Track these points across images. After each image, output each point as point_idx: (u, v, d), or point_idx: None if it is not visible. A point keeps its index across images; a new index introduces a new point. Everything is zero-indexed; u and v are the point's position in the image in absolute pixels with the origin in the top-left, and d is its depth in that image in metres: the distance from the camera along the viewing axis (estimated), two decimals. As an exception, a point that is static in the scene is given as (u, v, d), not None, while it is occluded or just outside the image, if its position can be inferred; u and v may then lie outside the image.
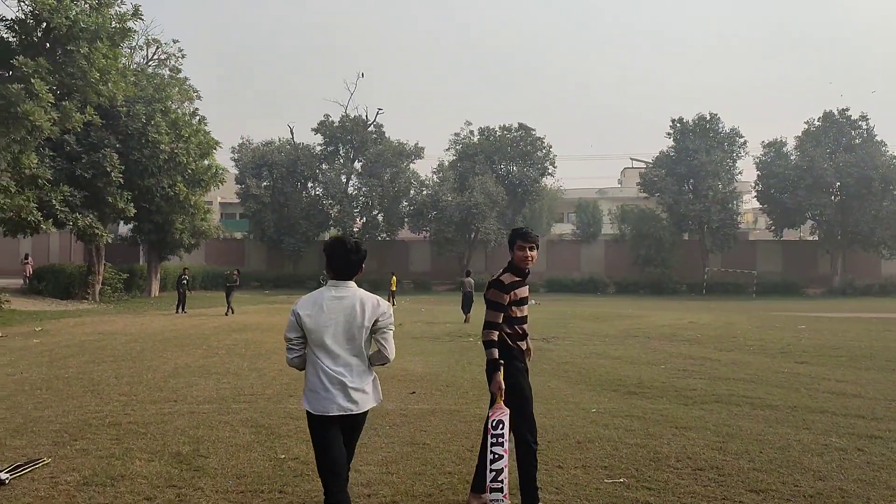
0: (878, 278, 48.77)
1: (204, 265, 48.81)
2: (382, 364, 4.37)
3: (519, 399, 5.02)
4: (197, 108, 35.11)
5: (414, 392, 9.55)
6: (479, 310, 27.90)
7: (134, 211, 29.59)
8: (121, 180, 27.92)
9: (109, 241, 30.23)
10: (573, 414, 8.12)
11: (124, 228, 40.38)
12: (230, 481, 5.58)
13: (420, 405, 8.66)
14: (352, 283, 4.31)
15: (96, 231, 27.85)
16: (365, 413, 4.39)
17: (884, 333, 19.22)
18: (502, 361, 4.92)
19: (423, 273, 52.89)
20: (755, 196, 51.97)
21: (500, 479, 4.69)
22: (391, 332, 4.31)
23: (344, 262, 4.28)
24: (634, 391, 9.78)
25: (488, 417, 4.89)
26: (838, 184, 47.26)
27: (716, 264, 50.12)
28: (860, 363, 12.80)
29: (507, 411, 4.88)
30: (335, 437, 4.23)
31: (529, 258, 5.12)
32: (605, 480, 5.60)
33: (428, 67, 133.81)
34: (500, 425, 4.82)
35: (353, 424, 4.35)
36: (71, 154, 27.14)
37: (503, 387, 4.88)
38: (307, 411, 4.32)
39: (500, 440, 4.77)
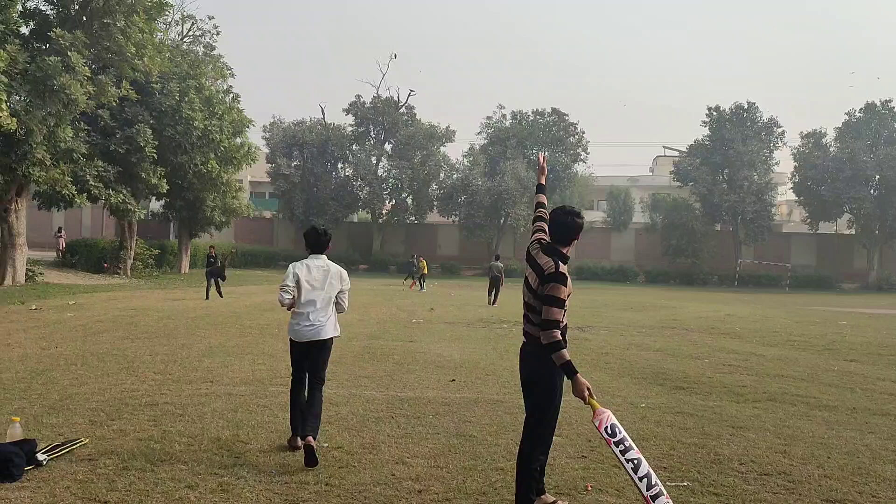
0: (916, 275, 47.65)
1: (233, 243, 48.99)
2: (340, 312, 6.30)
3: (550, 408, 4.61)
4: (231, 86, 35.01)
5: (454, 379, 9.29)
6: (507, 294, 27.66)
7: (167, 187, 29.59)
8: (154, 156, 27.87)
9: (142, 216, 30.30)
10: (622, 409, 7.80)
11: (156, 204, 40.53)
12: (273, 471, 5.35)
13: (462, 393, 8.40)
14: (324, 256, 6.27)
15: (129, 206, 27.89)
16: (329, 339, 6.19)
17: (931, 332, 18.60)
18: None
19: (452, 257, 52.61)
20: (791, 188, 50.93)
21: (654, 483, 4.27)
22: (347, 293, 6.37)
23: (317, 241, 6.26)
24: (681, 386, 9.43)
25: (598, 429, 4.40)
26: (878, 177, 46.13)
27: (748, 256, 49.24)
28: (913, 363, 12.31)
29: (609, 412, 4.47)
30: (304, 355, 6.16)
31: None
32: (668, 483, 5.28)
33: (461, 50, 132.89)
34: (616, 429, 4.37)
35: (319, 346, 6.13)
36: (105, 129, 27.10)
37: (589, 385, 4.43)
38: (290, 339, 6.23)
39: (627, 444, 4.35)
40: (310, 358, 6.16)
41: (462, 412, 7.39)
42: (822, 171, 46.84)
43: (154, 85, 27.90)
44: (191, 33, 34.76)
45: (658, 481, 4.30)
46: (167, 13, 25.73)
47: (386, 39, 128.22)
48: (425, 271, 32.41)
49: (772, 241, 49.76)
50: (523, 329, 4.81)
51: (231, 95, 33.74)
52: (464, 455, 5.88)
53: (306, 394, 6.11)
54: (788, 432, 6.93)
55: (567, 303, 4.44)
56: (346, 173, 52.75)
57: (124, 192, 27.72)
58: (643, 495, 4.23)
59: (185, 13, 34.74)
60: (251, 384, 8.57)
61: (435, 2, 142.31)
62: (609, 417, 4.41)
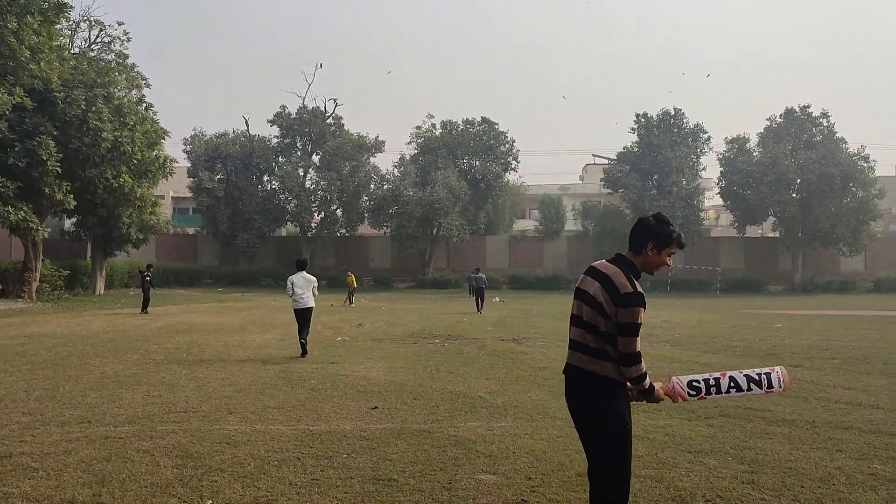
0: (838, 275, 48.91)
1: (155, 261, 46.65)
2: (314, 296, 13.11)
3: (619, 444, 3.61)
4: (144, 96, 33.12)
5: (376, 407, 8.22)
6: (421, 311, 26.66)
7: (74, 203, 27.63)
8: (59, 170, 25.96)
9: (46, 235, 28.21)
10: (565, 434, 6.89)
11: (68, 223, 38.19)
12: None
13: (384, 424, 7.35)
14: (304, 272, 13.11)
15: (31, 225, 25.86)
16: (311, 307, 13.06)
17: (865, 332, 18.50)
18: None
19: (384, 269, 51.48)
20: (718, 192, 51.69)
21: (753, 377, 3.83)
22: (316, 288, 13.20)
23: (301, 264, 13.21)
24: (627, 403, 8.59)
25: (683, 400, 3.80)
26: (799, 181, 47.13)
27: (679, 261, 49.65)
28: (857, 367, 11.88)
29: (674, 380, 3.81)
30: (302, 315, 12.89)
31: (668, 265, 3.82)
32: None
33: (389, 59, 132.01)
34: (694, 384, 3.80)
35: (307, 312, 12.92)
36: (3, 141, 25.10)
37: (662, 385, 3.76)
38: (294, 308, 13.11)
39: (710, 383, 3.82)
40: (303, 317, 12.98)
41: (382, 448, 6.35)
42: (747, 176, 47.64)
43: (57, 93, 26.02)
44: (99, 40, 32.75)
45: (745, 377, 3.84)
46: (67, 14, 23.89)
47: (311, 49, 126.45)
48: (354, 285, 31.17)
49: (701, 245, 50.33)
50: (569, 362, 3.78)
51: (144, 105, 31.91)
52: (379, 507, 4.84)
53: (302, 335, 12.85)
54: (751, 455, 6.13)
55: None
56: (273, 186, 51.11)
57: (25, 208, 25.70)
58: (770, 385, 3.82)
59: (93, 19, 32.64)
60: (137, 422, 7.33)
61: (360, 12, 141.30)
62: (676, 384, 3.80)
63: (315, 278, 13.26)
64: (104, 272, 36.17)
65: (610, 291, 3.53)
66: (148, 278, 25.17)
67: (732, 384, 3.78)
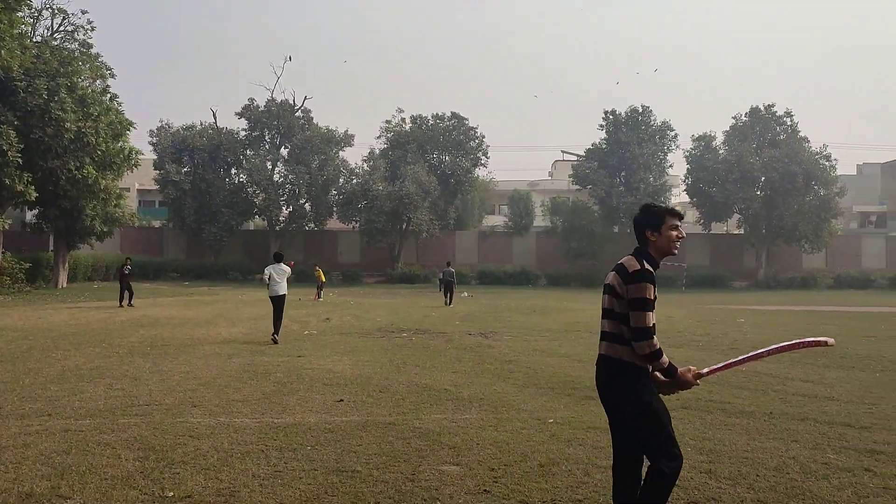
0: (800, 271, 49.81)
1: (119, 254, 45.92)
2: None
3: (655, 420, 3.80)
4: (108, 86, 32.51)
5: (342, 400, 8.23)
6: (383, 305, 26.67)
7: (36, 195, 27.09)
8: (20, 161, 25.43)
9: (7, 227, 27.64)
10: (529, 426, 6.97)
11: (29, 214, 37.43)
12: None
13: (349, 416, 7.36)
14: (281, 263, 14.60)
15: (-10, 216, 25.32)
16: (284, 295, 14.27)
17: (823, 327, 18.92)
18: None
19: (353, 264, 51.25)
20: (685, 190, 52.32)
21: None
22: (288, 277, 14.61)
23: (279, 258, 14.77)
24: (590, 395, 8.69)
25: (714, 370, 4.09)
26: (763, 179, 47.89)
27: (646, 257, 50.14)
28: (816, 360, 12.16)
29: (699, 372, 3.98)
30: (276, 301, 14.17)
31: (682, 238, 3.96)
32: (585, 522, 4.45)
33: (359, 53, 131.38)
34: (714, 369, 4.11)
35: (280, 299, 14.16)
36: (-39, 131, 24.55)
37: (690, 368, 3.91)
38: (269, 295, 14.39)
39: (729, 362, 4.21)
40: (277, 303, 14.17)
41: (347, 440, 6.36)
42: (713, 174, 48.29)
43: (18, 82, 25.49)
44: (62, 28, 32.09)
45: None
46: (29, 2, 23.37)
47: (279, 42, 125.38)
48: (322, 280, 31.02)
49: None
50: (600, 352, 4.00)
51: (108, 96, 31.35)
52: (342, 498, 4.86)
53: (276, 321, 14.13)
54: (710, 446, 6.26)
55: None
56: (241, 179, 50.52)
57: (-16, 200, 25.15)
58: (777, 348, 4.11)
59: (56, 7, 31.93)
60: (98, 415, 7.25)
61: (329, 5, 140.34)
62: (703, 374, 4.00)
63: (290, 269, 14.87)
64: (67, 265, 35.54)
65: (621, 273, 3.78)
66: (127, 271, 25.30)
67: (748, 359, 4.10)
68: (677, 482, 5.06)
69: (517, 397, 8.55)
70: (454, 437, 6.51)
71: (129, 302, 24.44)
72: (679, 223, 3.92)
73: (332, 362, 11.26)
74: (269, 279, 14.19)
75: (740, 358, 4.05)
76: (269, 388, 8.88)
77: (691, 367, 3.91)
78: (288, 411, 7.58)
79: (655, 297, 3.75)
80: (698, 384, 3.91)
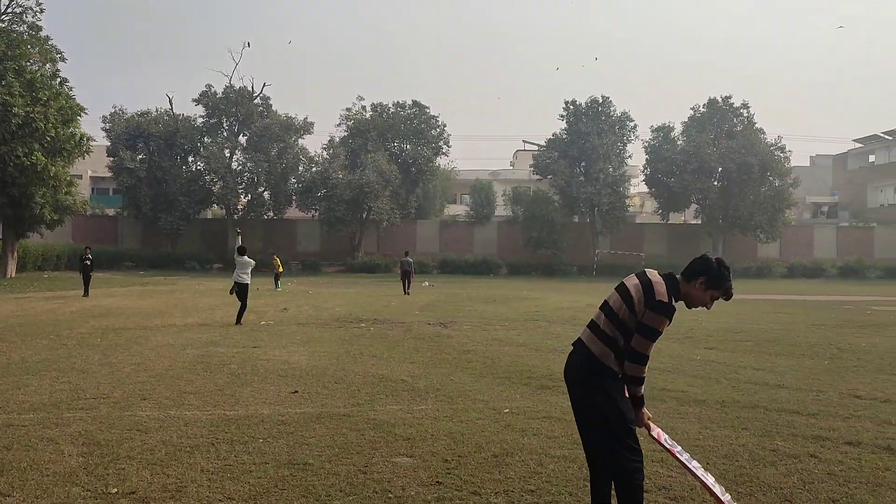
0: (755, 261, 50.78)
1: (71, 243, 44.90)
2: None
3: (621, 417, 3.87)
4: (59, 70, 31.60)
5: (296, 391, 8.12)
6: (344, 294, 26.48)
7: (-20, 182, 26.25)
8: (-36, 146, 24.60)
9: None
10: (484, 416, 6.96)
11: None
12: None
13: (302, 408, 7.26)
14: (246, 256, 15.94)
15: (-69, 204, 24.46)
16: (247, 284, 15.64)
17: (776, 315, 19.31)
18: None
19: (313, 253, 50.83)
20: (643, 180, 52.92)
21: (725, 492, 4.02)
22: (252, 267, 16.02)
23: (243, 252, 15.96)
24: (547, 385, 8.74)
25: (657, 440, 4.09)
26: (720, 169, 48.64)
27: (605, 246, 50.74)
28: (767, 348, 12.40)
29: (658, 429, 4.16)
30: (240, 289, 15.45)
31: (707, 306, 3.96)
32: (537, 513, 4.44)
33: (318, 38, 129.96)
34: (670, 440, 4.15)
35: (244, 287, 15.51)
36: None
37: (647, 421, 4.05)
38: (234, 282, 15.66)
39: (683, 451, 4.10)
40: (241, 291, 15.43)
41: (300, 432, 6.27)
42: (671, 164, 48.91)
43: (-38, 66, 24.62)
44: (10, 10, 31.04)
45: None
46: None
47: (237, 28, 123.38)
48: (280, 269, 30.70)
49: (626, 231, 51.55)
50: (583, 341, 4.02)
51: (58, 80, 30.47)
52: (293, 491, 4.78)
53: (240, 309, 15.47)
54: (662, 435, 6.31)
55: None
56: (198, 167, 49.70)
57: (-75, 186, 24.28)
58: (721, 500, 3.89)
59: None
60: (42, 410, 7.04)
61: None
62: (660, 431, 4.12)
63: (253, 262, 16.23)
64: (16, 254, 34.58)
65: (647, 293, 3.78)
66: (87, 261, 24.97)
67: (700, 470, 3.99)
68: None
69: (474, 387, 8.54)
70: (409, 428, 6.46)
71: (85, 292, 24.07)
72: (718, 297, 3.94)
73: (287, 353, 11.12)
74: (235, 271, 16.06)
75: (682, 460, 4.04)
76: (223, 380, 8.73)
77: (649, 415, 4.08)
78: (241, 403, 7.46)
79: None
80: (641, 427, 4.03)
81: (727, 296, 3.93)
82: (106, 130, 47.97)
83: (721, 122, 50.06)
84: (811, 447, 5.95)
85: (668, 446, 3.97)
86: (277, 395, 7.90)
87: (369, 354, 11.14)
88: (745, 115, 50.10)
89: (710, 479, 3.93)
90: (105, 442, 5.87)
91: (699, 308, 3.97)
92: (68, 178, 32.82)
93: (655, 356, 10.90)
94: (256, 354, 10.92)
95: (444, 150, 52.14)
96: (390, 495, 4.72)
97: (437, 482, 5.01)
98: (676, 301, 3.84)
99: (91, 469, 5.17)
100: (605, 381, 3.85)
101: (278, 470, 5.22)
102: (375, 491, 4.79)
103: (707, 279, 3.86)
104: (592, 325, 3.98)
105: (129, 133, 47.12)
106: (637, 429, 3.96)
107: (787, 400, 7.91)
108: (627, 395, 3.93)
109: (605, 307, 3.96)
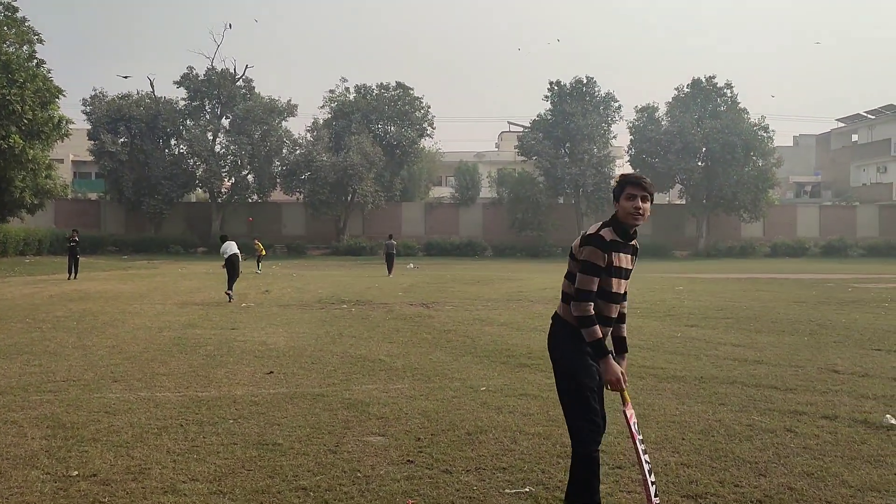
0: (739, 240, 50.98)
1: (53, 228, 44.36)
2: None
3: (567, 389, 3.77)
4: (35, 51, 31.04)
5: (272, 372, 8.01)
6: (339, 278, 26.36)
7: (-43, 165, 25.83)
8: (-62, 129, 24.16)
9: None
10: (460, 395, 6.88)
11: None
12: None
13: (276, 389, 7.16)
14: (231, 241, 17.86)
15: None
16: (235, 253, 17.27)
17: (758, 293, 19.35)
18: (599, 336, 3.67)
19: (298, 237, 50.52)
20: (628, 160, 52.87)
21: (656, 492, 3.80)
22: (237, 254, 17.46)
23: (227, 240, 17.95)
24: (525, 363, 8.68)
25: (627, 420, 3.82)
26: (704, 149, 48.68)
27: (589, 227, 50.65)
28: (748, 325, 12.38)
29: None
30: (230, 263, 16.93)
31: (641, 210, 3.71)
32: (506, 491, 4.36)
33: (301, 19, 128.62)
34: (638, 427, 3.87)
35: (233, 257, 17.09)
36: None
37: (620, 375, 3.71)
38: (225, 259, 17.22)
39: (642, 443, 3.85)
40: (231, 265, 16.95)
41: (272, 413, 6.17)
42: (656, 144, 48.89)
43: (-65, 46, 24.12)
44: (-17, -9, 30.39)
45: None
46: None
47: (219, 8, 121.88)
48: (262, 252, 30.52)
49: (611, 211, 51.02)
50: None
51: (35, 61, 29.93)
52: (260, 472, 4.67)
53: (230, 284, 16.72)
54: (639, 411, 6.22)
55: (615, 281, 3.74)
56: (181, 150, 49.26)
57: None
58: (650, 500, 3.71)
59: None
60: (10, 393, 6.88)
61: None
62: (633, 415, 3.87)
63: (233, 244, 17.89)
64: (-5, 239, 34.17)
65: (581, 237, 3.79)
66: (73, 243, 24.96)
67: (648, 466, 3.79)
68: (602, 447, 5.03)
69: (452, 366, 8.46)
70: (383, 407, 6.37)
71: (74, 275, 24.21)
72: (638, 193, 3.71)
73: (266, 334, 11.00)
74: (224, 252, 17.48)
75: (639, 450, 3.77)
76: (198, 362, 8.61)
77: (624, 372, 3.83)
78: (214, 384, 7.34)
79: (611, 266, 3.69)
80: (615, 388, 3.73)
81: (637, 184, 3.74)
82: (87, 114, 47.40)
83: (705, 102, 50.01)
84: (788, 421, 5.91)
85: (634, 430, 3.77)
86: (252, 376, 7.78)
87: (349, 335, 11.03)
88: (729, 95, 50.09)
89: (651, 479, 3.75)
90: (71, 424, 5.75)
91: (638, 221, 3.73)
92: (47, 162, 32.35)
93: (635, 333, 10.97)
94: (234, 336, 10.79)
95: (428, 132, 51.91)
96: (359, 475, 4.63)
97: (409, 461, 4.93)
98: (617, 233, 3.75)
99: (53, 452, 5.05)
100: (563, 338, 3.78)
101: (246, 450, 5.11)
102: (344, 471, 4.70)
103: (617, 187, 3.83)
104: (562, 295, 3.90)
105: (111, 116, 46.57)
106: (611, 392, 3.80)
107: (766, 375, 7.87)
108: (590, 346, 3.72)
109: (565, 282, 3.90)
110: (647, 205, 3.73)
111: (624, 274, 3.78)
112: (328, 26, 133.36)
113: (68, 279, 23.59)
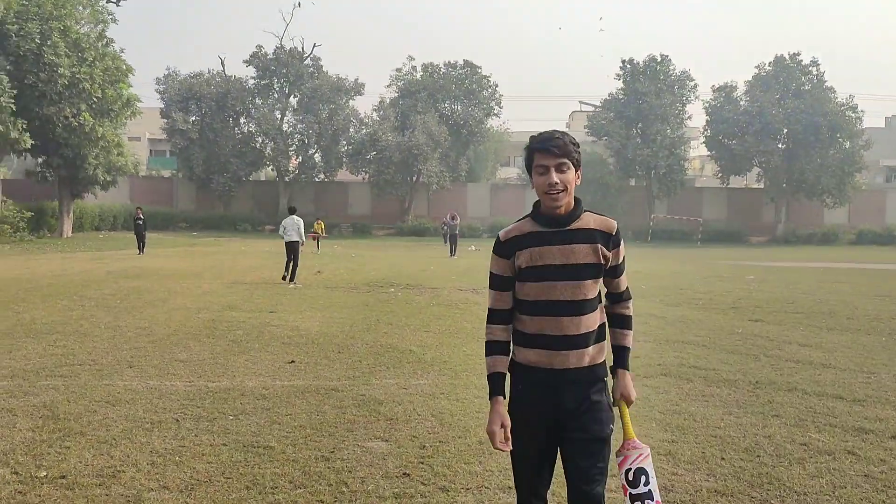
0: (821, 227, 48.53)
1: (128, 204, 45.61)
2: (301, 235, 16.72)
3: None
4: (104, 30, 31.62)
5: (293, 361, 7.63)
6: (417, 257, 25.99)
7: (31, 142, 26.56)
8: (13, 107, 24.84)
9: (8, 175, 27.22)
10: (483, 394, 6.11)
11: (32, 163, 37.07)
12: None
13: (291, 381, 6.76)
14: (295, 216, 17.06)
15: (-15, 163, 24.90)
16: (294, 241, 16.35)
17: (836, 286, 18.04)
18: (501, 372, 2.80)
19: (363, 216, 50.62)
20: (703, 142, 50.92)
21: None
22: (302, 228, 16.79)
23: (293, 211, 17.48)
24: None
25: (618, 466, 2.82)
26: (786, 130, 46.36)
27: (661, 211, 49.12)
28: (820, 321, 11.36)
29: (646, 451, 2.83)
30: (288, 247, 16.29)
31: (555, 185, 2.64)
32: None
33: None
34: (643, 477, 2.74)
35: (292, 244, 16.30)
36: (-47, 75, 23.97)
37: (496, 429, 2.72)
38: (285, 242, 16.47)
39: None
40: (289, 249, 16.17)
41: (277, 409, 5.76)
42: (733, 125, 46.80)
43: (10, 26, 24.77)
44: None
45: None
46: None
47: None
48: (322, 233, 30.56)
49: (684, 195, 49.73)
50: None
51: (104, 40, 30.50)
52: (238, 481, 4.24)
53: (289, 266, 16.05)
54: (678, 422, 5.58)
55: (547, 286, 2.70)
56: (249, 129, 49.88)
57: (-23, 147, 24.70)
58: None
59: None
60: (19, 377, 6.70)
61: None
62: (639, 458, 2.80)
63: (301, 221, 17.07)
64: (72, 215, 35.26)
65: None
66: (140, 221, 25.91)
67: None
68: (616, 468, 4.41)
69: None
70: (395, 406, 5.88)
71: (141, 250, 25.29)
72: (550, 164, 2.65)
73: (301, 319, 10.67)
74: (283, 231, 16.76)
75: None
76: (221, 347, 8.31)
77: (626, 394, 2.99)
78: (228, 374, 7.00)
79: (532, 266, 2.70)
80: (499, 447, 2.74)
81: (545, 150, 2.64)
82: (160, 92, 48.43)
83: (788, 80, 47.50)
84: (850, 441, 5.14)
85: (623, 482, 2.77)
86: (272, 365, 7.42)
87: (385, 322, 10.60)
88: (815, 72, 47.46)
89: None
90: (64, 416, 5.46)
91: (558, 201, 2.66)
92: (117, 140, 33.06)
93: (692, 327, 10.17)
94: (269, 320, 10.51)
95: (495, 112, 51.12)
96: (344, 489, 4.15)
97: (405, 474, 4.42)
98: (537, 223, 2.74)
99: (33, 447, 4.75)
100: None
101: (233, 454, 4.70)
102: (330, 483, 4.23)
103: (527, 157, 2.77)
104: None
105: (182, 95, 47.45)
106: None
107: (832, 382, 7.03)
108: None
109: None
110: (569, 174, 2.65)
111: (567, 273, 2.66)
112: (396, 3, 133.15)
113: (139, 255, 24.40)
